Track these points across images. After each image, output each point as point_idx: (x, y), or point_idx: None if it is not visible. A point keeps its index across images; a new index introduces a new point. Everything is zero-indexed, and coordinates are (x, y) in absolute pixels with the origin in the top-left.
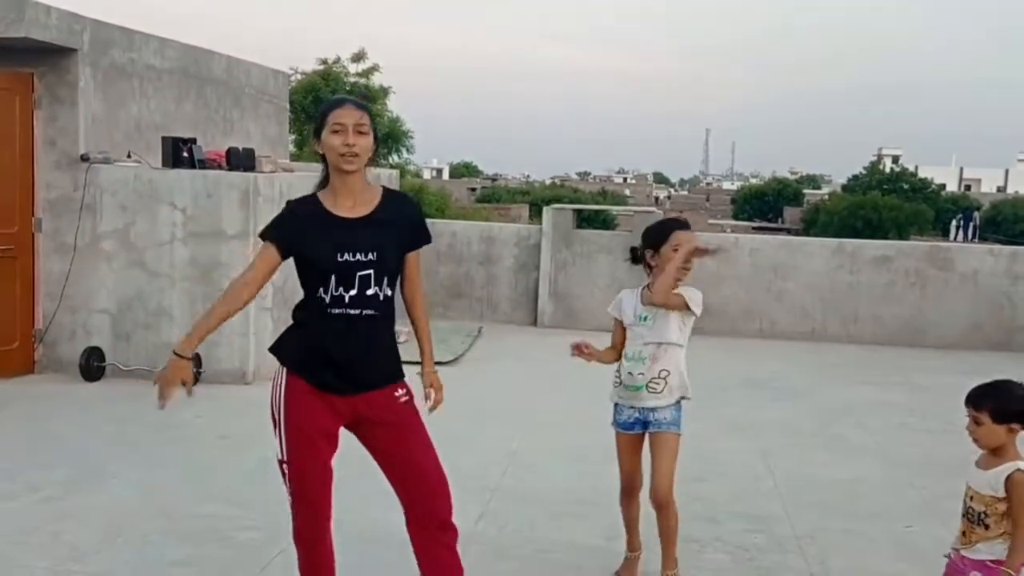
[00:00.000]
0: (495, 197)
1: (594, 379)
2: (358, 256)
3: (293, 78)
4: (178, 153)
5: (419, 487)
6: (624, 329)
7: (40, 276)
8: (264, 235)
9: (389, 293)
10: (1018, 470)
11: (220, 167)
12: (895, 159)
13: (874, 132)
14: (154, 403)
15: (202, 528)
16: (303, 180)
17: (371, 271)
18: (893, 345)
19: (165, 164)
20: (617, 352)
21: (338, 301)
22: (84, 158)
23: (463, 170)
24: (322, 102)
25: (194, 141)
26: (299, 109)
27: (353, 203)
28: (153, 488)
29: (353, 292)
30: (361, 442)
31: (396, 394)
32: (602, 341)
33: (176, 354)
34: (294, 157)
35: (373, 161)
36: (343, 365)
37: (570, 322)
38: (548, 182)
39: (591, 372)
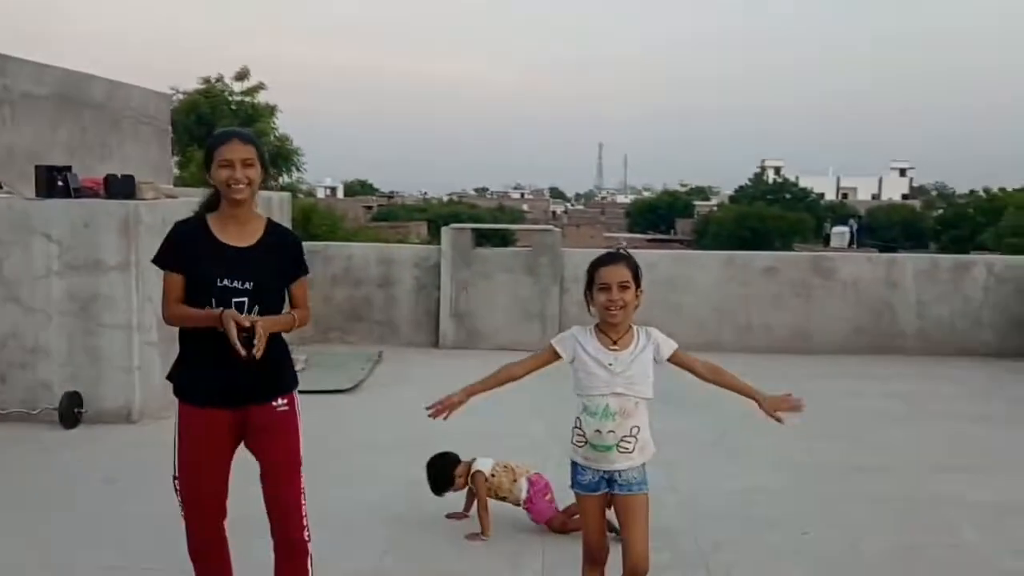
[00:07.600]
0: (392, 215)
1: (499, 401)
2: (235, 284)
3: (175, 98)
4: (52, 182)
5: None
6: (546, 363)
7: None
8: (161, 264)
9: None
10: None
11: (97, 195)
12: (777, 170)
13: (757, 144)
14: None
15: None
16: (187, 206)
17: (245, 299)
18: (783, 352)
19: (39, 194)
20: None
21: None
22: None
23: (358, 188)
24: (204, 120)
25: (69, 169)
26: (182, 130)
27: (239, 231)
28: (39, 539)
29: None
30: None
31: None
32: (501, 360)
33: None
34: (177, 180)
35: (263, 184)
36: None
37: (472, 342)
38: (446, 199)
39: (495, 393)
